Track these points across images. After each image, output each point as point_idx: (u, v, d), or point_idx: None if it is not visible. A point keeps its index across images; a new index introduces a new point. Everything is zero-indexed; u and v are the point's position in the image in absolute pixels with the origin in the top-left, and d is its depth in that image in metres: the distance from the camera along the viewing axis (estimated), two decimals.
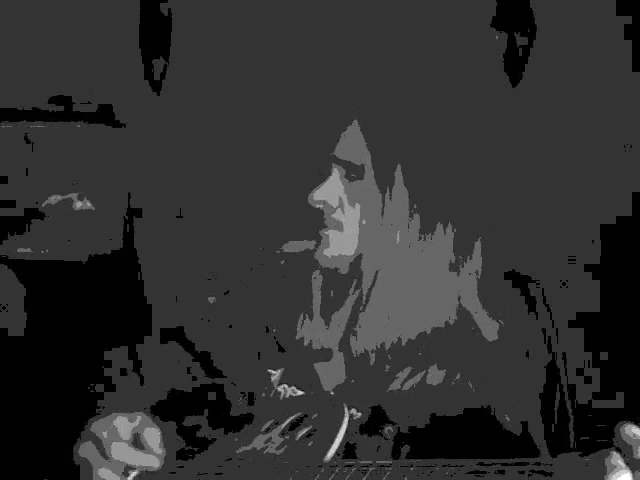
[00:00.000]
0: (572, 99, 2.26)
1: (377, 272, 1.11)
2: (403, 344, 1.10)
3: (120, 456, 0.94)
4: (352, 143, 1.11)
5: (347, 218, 1.12)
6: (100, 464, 0.94)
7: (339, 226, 1.12)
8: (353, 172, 1.11)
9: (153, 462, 0.96)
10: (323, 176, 1.13)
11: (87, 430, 0.96)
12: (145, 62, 2.35)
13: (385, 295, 1.11)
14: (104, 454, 0.94)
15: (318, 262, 1.13)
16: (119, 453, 0.94)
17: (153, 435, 0.97)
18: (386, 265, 1.11)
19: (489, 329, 1.12)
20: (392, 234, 1.11)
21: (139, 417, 0.98)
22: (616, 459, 0.73)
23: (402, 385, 1.09)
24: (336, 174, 1.12)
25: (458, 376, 1.09)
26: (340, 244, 1.12)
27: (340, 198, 1.12)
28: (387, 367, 1.10)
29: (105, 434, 0.95)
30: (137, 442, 0.97)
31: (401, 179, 1.10)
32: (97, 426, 0.96)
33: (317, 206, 1.12)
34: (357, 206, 1.12)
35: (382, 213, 1.11)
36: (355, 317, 1.15)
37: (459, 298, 1.12)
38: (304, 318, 1.17)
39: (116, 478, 0.95)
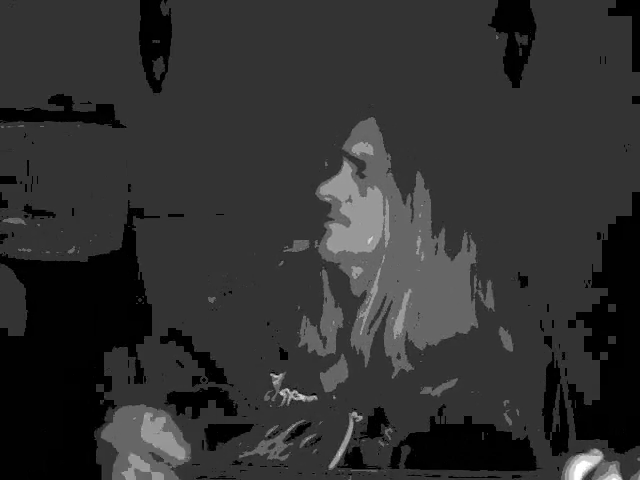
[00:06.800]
0: (572, 99, 2.26)
1: (391, 274, 1.11)
2: (418, 348, 1.10)
3: (152, 440, 0.88)
4: (366, 140, 1.11)
5: (354, 214, 1.11)
6: (128, 449, 0.88)
7: (345, 221, 1.11)
8: (365, 169, 1.11)
9: (181, 453, 0.89)
10: (333, 170, 1.12)
11: (114, 413, 0.90)
12: (145, 62, 2.35)
13: (398, 298, 1.11)
14: (134, 438, 0.88)
15: (320, 256, 1.13)
16: (151, 437, 0.88)
17: (177, 432, 0.91)
18: (401, 268, 1.11)
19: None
20: (407, 236, 1.10)
21: (164, 415, 0.92)
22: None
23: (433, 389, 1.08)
24: (347, 169, 1.12)
25: (461, 381, 1.09)
26: (344, 239, 1.11)
27: (349, 193, 1.11)
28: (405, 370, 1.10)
29: (135, 418, 0.89)
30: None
31: (422, 182, 1.10)
32: (125, 411, 0.91)
33: (325, 199, 1.11)
34: (367, 204, 1.11)
35: (396, 214, 1.10)
36: (354, 317, 1.15)
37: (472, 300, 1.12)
38: (305, 319, 1.17)
39: (146, 466, 0.88)
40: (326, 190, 1.11)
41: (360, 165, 1.11)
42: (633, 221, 2.20)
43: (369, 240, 1.11)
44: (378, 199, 1.11)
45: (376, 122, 1.11)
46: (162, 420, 0.90)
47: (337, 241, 1.11)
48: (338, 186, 1.11)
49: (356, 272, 1.14)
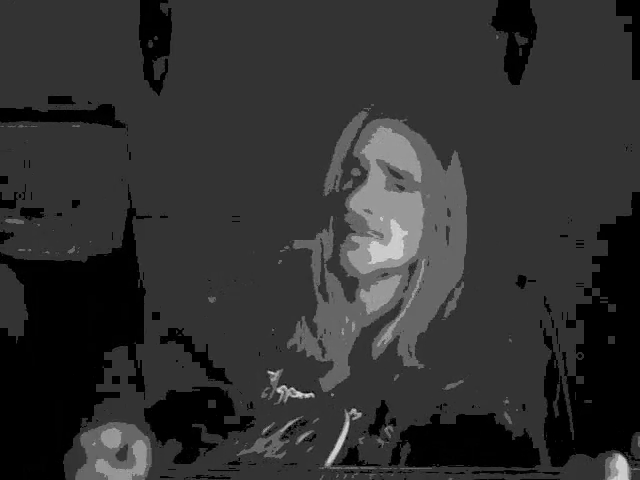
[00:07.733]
0: (572, 99, 2.26)
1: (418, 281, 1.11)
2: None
3: (103, 471, 0.93)
4: (399, 150, 1.10)
5: (385, 228, 1.10)
6: (85, 478, 0.93)
7: (376, 235, 1.10)
8: (398, 181, 1.10)
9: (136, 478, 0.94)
10: (360, 179, 1.11)
11: (75, 442, 0.95)
12: (145, 62, 2.35)
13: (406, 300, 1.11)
14: (89, 469, 0.93)
15: (343, 269, 1.11)
16: (103, 468, 0.93)
17: (140, 448, 0.95)
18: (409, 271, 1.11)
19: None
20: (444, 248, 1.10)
21: (129, 427, 0.96)
22: (620, 462, 0.73)
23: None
24: (379, 179, 1.11)
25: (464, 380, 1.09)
26: (371, 253, 1.10)
27: (379, 206, 1.10)
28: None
29: (90, 448, 0.94)
30: (124, 453, 0.95)
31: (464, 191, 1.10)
32: (84, 438, 0.95)
33: (355, 212, 1.09)
34: (399, 217, 1.10)
35: (434, 227, 1.10)
36: (355, 319, 1.15)
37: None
38: (306, 320, 1.17)
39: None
40: (356, 202, 1.09)
41: (396, 177, 1.10)
42: (633, 221, 2.20)
43: (394, 255, 1.10)
44: (414, 215, 1.11)
45: (398, 127, 1.10)
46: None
47: (362, 255, 1.10)
48: (368, 197, 1.09)
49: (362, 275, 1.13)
